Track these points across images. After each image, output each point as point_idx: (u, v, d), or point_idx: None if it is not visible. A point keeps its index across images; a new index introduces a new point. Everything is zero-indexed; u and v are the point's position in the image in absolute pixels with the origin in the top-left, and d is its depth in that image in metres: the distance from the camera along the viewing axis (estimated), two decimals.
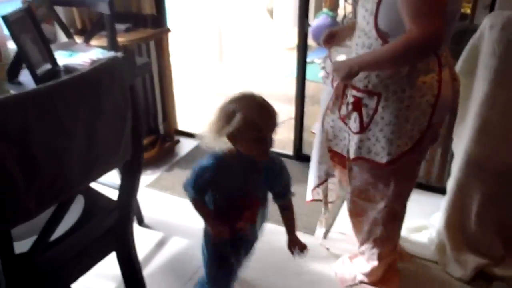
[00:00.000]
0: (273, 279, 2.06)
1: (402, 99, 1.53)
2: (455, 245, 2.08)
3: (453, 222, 2.08)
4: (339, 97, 1.73)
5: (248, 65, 4.91)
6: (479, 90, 1.92)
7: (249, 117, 1.36)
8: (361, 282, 1.98)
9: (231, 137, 1.38)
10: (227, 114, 1.38)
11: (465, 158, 1.98)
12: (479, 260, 2.02)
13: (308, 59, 2.80)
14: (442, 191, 2.25)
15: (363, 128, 1.63)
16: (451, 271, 2.05)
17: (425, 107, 1.53)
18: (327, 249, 2.20)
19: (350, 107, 1.65)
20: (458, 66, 2.02)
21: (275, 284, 2.04)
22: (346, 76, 1.56)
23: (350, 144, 1.72)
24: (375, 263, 1.91)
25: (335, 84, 1.73)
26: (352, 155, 1.70)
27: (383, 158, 1.61)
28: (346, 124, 1.71)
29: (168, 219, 2.46)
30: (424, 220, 2.31)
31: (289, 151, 3.02)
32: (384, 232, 1.84)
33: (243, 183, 1.51)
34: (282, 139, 3.18)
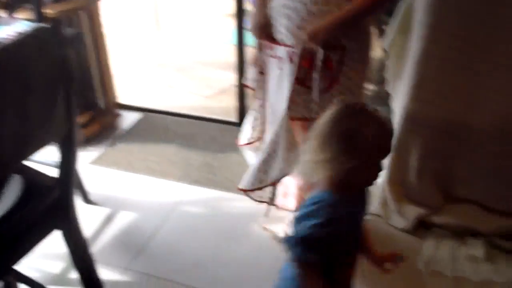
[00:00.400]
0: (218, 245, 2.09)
1: (361, 49, 1.69)
2: (396, 198, 2.16)
3: (395, 176, 2.16)
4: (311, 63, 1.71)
5: (187, 32, 4.81)
6: (414, 47, 1.97)
7: (380, 136, 1.10)
8: None
9: (355, 165, 1.08)
10: (346, 135, 1.08)
11: (403, 115, 2.05)
12: (420, 210, 2.11)
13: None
14: None
15: (336, 81, 1.68)
16: (394, 223, 2.14)
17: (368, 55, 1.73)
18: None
19: (319, 65, 1.65)
20: (394, 25, 2.06)
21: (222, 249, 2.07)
22: (326, 37, 1.60)
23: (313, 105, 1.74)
24: None
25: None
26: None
27: None
28: (308, 87, 1.72)
29: (115, 194, 2.42)
30: None
31: (233, 118, 3.01)
32: None
33: (358, 229, 1.22)
34: (225, 107, 3.17)
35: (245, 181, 1.91)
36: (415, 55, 1.96)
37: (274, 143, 1.79)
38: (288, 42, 1.69)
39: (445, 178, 2.12)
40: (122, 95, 3.24)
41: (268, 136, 1.88)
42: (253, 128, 2.03)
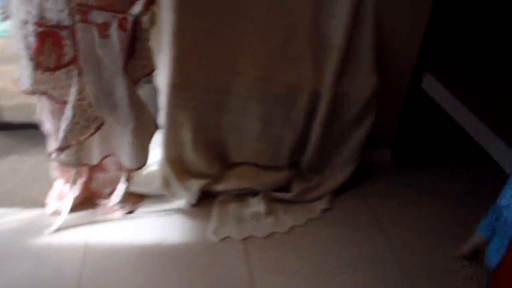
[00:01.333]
0: None
1: None
2: (177, 174, 2.14)
3: (171, 154, 2.13)
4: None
5: None
6: (168, 19, 1.92)
7: None
8: None
9: None
10: None
11: (168, 89, 2.00)
12: (201, 182, 2.14)
13: None
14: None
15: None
16: (179, 200, 2.13)
17: None
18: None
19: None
20: None
21: None
22: None
23: None
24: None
25: None
26: None
27: None
28: None
29: None
30: None
31: None
32: None
33: None
34: None
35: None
36: (170, 27, 1.92)
37: None
38: None
39: (219, 147, 2.18)
40: None
41: None
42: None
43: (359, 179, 2.38)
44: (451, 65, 2.25)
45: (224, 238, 1.97)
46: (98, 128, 1.58)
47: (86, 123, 1.54)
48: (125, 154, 1.80)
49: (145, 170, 2.23)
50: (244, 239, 1.98)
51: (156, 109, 2.06)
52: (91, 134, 1.60)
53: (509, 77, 1.23)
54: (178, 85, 1.98)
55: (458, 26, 2.17)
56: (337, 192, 2.28)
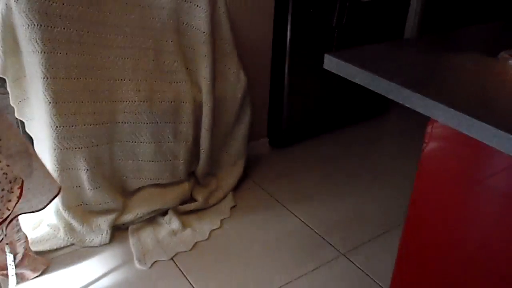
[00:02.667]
0: None
1: None
2: (81, 218, 2.05)
3: (69, 198, 2.03)
4: None
5: None
6: (35, 63, 1.83)
7: None
8: None
9: None
10: None
11: (52, 134, 1.90)
12: (108, 218, 2.08)
13: None
14: None
15: None
16: (91, 243, 2.04)
17: None
18: None
19: None
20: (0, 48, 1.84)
21: None
22: None
23: None
24: None
25: None
26: None
27: None
28: None
29: None
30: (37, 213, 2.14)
31: None
32: None
33: None
34: None
35: None
36: (39, 70, 1.83)
37: None
38: None
39: (117, 177, 2.13)
40: None
41: None
42: None
43: (249, 171, 2.55)
44: (299, 51, 2.55)
45: (153, 264, 1.97)
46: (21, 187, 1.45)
47: (8, 187, 1.40)
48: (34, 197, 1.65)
49: (43, 226, 2.09)
50: (172, 257, 2.00)
51: None
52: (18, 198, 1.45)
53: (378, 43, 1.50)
54: (62, 127, 1.90)
55: (300, 17, 2.47)
56: (236, 189, 2.42)
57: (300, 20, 2.48)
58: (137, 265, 1.95)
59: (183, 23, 2.14)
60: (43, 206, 1.59)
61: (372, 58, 1.37)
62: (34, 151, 1.53)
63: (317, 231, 2.18)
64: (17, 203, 1.39)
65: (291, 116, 2.74)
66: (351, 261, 2.02)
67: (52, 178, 1.61)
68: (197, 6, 2.12)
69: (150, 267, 1.95)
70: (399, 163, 2.75)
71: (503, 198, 1.26)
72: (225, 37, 2.23)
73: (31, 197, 1.56)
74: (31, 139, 2.08)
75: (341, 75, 1.36)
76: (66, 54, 1.88)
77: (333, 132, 3.03)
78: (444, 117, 1.12)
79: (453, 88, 1.22)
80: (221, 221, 2.21)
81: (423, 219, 1.52)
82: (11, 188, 1.36)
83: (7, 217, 1.38)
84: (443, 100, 1.12)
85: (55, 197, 1.62)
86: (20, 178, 1.40)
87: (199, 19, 2.13)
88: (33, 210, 1.58)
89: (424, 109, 1.15)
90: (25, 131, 2.11)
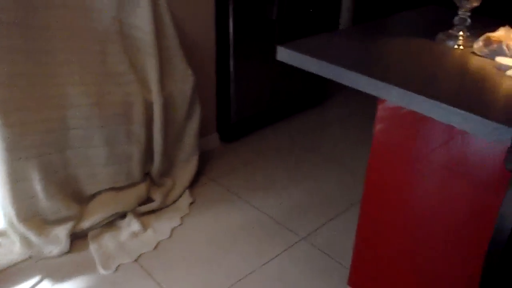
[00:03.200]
0: None
1: None
2: (37, 229, 1.99)
3: (23, 210, 1.97)
4: None
5: None
6: None
7: None
8: None
9: None
10: None
11: (2, 145, 1.84)
12: (66, 227, 2.04)
13: None
14: None
15: None
16: (50, 254, 1.99)
17: None
18: None
19: None
20: None
21: None
22: None
23: None
24: None
25: None
26: None
27: None
28: None
29: None
30: None
31: None
32: None
33: None
34: None
35: None
36: None
37: None
38: None
39: (72, 184, 2.09)
40: None
41: None
42: None
43: (202, 167, 2.57)
44: (242, 44, 2.60)
45: (117, 267, 1.95)
46: None
47: None
48: None
49: None
50: (136, 259, 2.00)
51: None
52: None
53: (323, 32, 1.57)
54: (12, 138, 1.84)
55: (241, 11, 2.51)
56: (191, 185, 2.44)
57: (242, 14, 2.53)
58: (101, 270, 1.93)
59: (126, 24, 2.13)
60: None
61: (319, 47, 1.44)
62: None
63: (276, 219, 2.24)
64: None
65: (239, 110, 2.78)
66: (312, 244, 2.10)
67: None
68: (138, 6, 2.11)
69: (114, 271, 1.94)
70: (344, 146, 2.87)
71: (445, 169, 1.37)
72: (169, 35, 2.23)
73: None
74: None
75: (294, 65, 1.41)
76: (10, 62, 1.82)
77: (279, 122, 3.11)
78: (395, 97, 1.20)
79: (398, 70, 1.31)
80: (181, 218, 2.23)
81: (378, 195, 1.62)
82: None
83: None
84: (393, 81, 1.20)
85: None
86: None
87: (142, 18, 2.12)
88: None
89: (375, 91, 1.23)
90: None
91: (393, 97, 1.21)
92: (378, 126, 1.53)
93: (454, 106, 1.07)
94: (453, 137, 1.32)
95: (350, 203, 2.35)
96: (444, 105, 1.08)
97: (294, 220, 2.23)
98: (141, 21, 2.12)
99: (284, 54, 1.43)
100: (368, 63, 1.35)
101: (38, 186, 1.96)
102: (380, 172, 1.58)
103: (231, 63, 2.61)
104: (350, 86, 1.29)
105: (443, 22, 1.57)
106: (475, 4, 1.45)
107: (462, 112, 1.05)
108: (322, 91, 3.34)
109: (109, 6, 2.05)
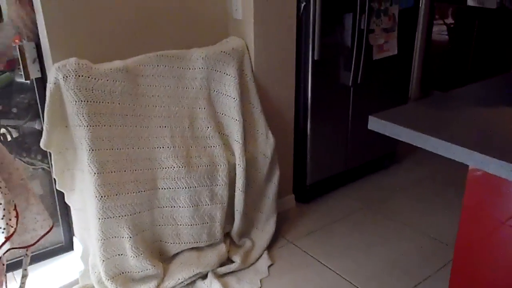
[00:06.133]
0: None
1: None
2: (124, 287, 2.07)
3: (111, 267, 2.05)
4: None
5: None
6: (81, 137, 1.92)
7: None
8: None
9: None
10: None
11: (97, 204, 1.96)
12: (150, 284, 2.09)
13: None
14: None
15: None
16: None
17: None
18: None
19: None
20: (45, 122, 1.93)
21: None
22: None
23: None
24: None
25: None
26: None
27: None
28: None
29: None
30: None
31: None
32: None
33: None
34: None
35: None
36: (85, 144, 1.92)
37: None
38: None
39: (157, 243, 2.17)
40: None
41: None
42: None
43: (279, 228, 2.60)
44: (319, 110, 2.67)
45: None
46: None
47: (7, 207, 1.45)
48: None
49: None
50: None
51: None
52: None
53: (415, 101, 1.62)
54: (107, 197, 1.96)
55: (319, 79, 2.60)
56: (269, 247, 2.46)
57: (319, 81, 2.62)
58: None
59: (214, 91, 2.26)
60: (34, 241, 1.62)
61: (410, 116, 1.48)
62: (32, 188, 1.60)
63: (355, 284, 2.20)
64: (17, 222, 1.44)
65: (314, 172, 2.82)
66: None
67: (46, 215, 1.64)
68: (227, 74, 2.25)
69: None
70: (419, 210, 2.81)
71: None
72: (253, 101, 2.34)
73: (22, 231, 1.60)
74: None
75: (387, 134, 1.45)
76: (110, 126, 1.98)
77: (353, 183, 3.11)
78: (493, 169, 1.21)
79: (494, 140, 1.31)
80: (261, 281, 2.24)
81: (469, 264, 1.58)
82: (9, 209, 1.42)
83: (13, 233, 1.43)
84: (491, 152, 1.21)
85: (46, 233, 1.64)
86: (13, 201, 1.46)
87: (229, 86, 2.25)
88: (24, 245, 1.61)
89: (474, 163, 1.24)
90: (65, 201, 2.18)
91: (492, 169, 1.21)
92: (468, 193, 1.52)
93: None
94: None
95: (429, 273, 2.28)
96: None
97: (374, 286, 2.19)
98: (228, 88, 2.25)
99: (376, 124, 1.47)
100: (464, 133, 1.37)
101: (127, 244, 2.05)
102: (471, 242, 1.56)
103: (308, 129, 2.68)
104: (446, 156, 1.31)
105: None
106: None
107: None
108: (393, 155, 3.34)
109: (200, 74, 2.20)
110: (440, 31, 4.72)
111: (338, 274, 2.28)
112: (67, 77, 1.87)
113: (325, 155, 2.85)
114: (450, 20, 4.67)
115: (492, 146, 1.26)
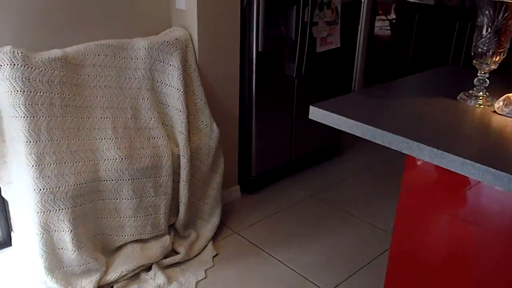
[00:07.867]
0: None
1: None
2: (64, 281, 2.01)
3: (52, 262, 1.99)
4: None
5: None
6: (17, 128, 1.85)
7: None
8: None
9: None
10: None
11: (36, 197, 1.89)
12: (91, 279, 2.05)
13: None
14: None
15: None
16: None
17: None
18: None
19: None
20: None
21: None
22: None
23: None
24: None
25: None
26: None
27: None
28: None
29: None
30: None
31: None
32: None
33: None
34: None
35: None
36: (21, 135, 1.85)
37: None
38: None
39: (100, 236, 2.13)
40: None
41: None
42: None
43: (224, 218, 2.61)
44: (263, 102, 2.69)
45: None
46: None
47: None
48: None
49: None
50: None
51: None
52: None
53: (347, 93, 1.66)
54: (46, 190, 1.90)
55: (263, 72, 2.62)
56: (214, 237, 2.47)
57: (264, 73, 2.64)
58: None
59: (158, 81, 2.23)
60: None
61: (349, 107, 1.52)
62: None
63: (300, 272, 2.25)
64: None
65: (259, 163, 2.85)
66: None
67: None
68: (170, 65, 2.22)
69: None
70: (361, 199, 2.90)
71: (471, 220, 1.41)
72: (197, 92, 2.33)
73: None
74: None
75: (327, 124, 1.48)
76: (48, 117, 1.91)
77: (297, 174, 3.16)
78: (427, 156, 1.26)
79: (427, 129, 1.37)
80: (205, 271, 2.24)
81: (406, 246, 1.66)
82: None
83: None
84: (424, 140, 1.27)
85: None
86: None
87: (172, 77, 2.23)
88: None
89: (409, 150, 1.29)
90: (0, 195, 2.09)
91: (425, 156, 1.27)
92: (405, 180, 1.59)
93: (485, 164, 1.12)
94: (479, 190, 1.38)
95: (373, 256, 2.36)
96: (478, 165, 1.14)
97: (319, 273, 2.24)
98: (172, 79, 2.23)
99: (316, 113, 1.50)
100: (399, 123, 1.42)
101: (68, 238, 1.99)
102: (408, 225, 1.63)
103: (253, 118, 2.70)
104: (382, 144, 1.36)
105: (461, 81, 1.66)
106: (494, 67, 1.54)
107: (493, 170, 1.10)
108: (336, 145, 3.42)
109: (143, 64, 2.17)
110: (383, 26, 4.89)
111: (282, 262, 2.31)
112: (1, 66, 1.79)
113: (270, 146, 2.88)
114: (392, 16, 4.83)
115: (424, 134, 1.32)
